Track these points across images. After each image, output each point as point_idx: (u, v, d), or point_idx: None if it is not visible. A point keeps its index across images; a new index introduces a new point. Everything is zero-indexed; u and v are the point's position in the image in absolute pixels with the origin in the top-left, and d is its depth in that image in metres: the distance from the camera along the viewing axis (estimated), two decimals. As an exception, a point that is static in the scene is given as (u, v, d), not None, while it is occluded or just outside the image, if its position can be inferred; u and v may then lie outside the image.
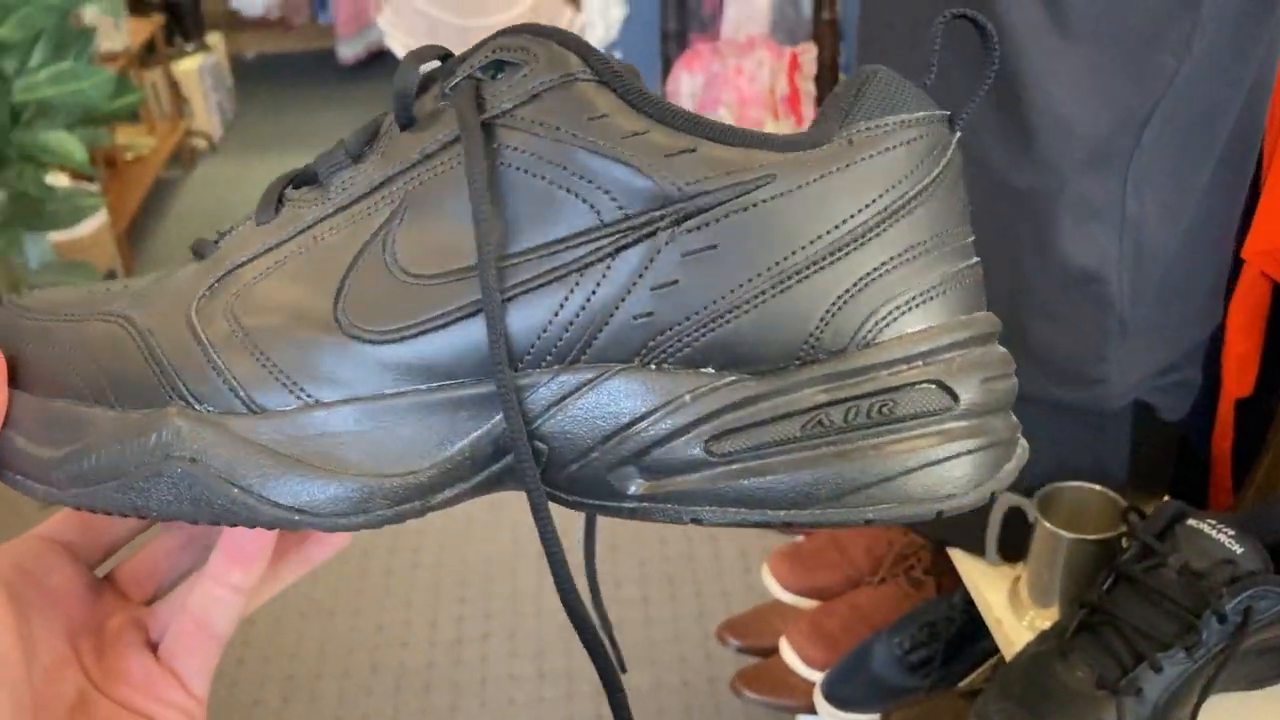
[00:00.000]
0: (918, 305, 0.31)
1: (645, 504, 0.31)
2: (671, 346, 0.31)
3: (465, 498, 0.32)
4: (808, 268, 0.30)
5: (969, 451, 0.30)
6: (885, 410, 0.30)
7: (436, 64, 0.34)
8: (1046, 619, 0.84)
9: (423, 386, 0.31)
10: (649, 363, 0.31)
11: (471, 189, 0.30)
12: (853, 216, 0.30)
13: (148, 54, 3.64)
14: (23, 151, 2.27)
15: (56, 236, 2.67)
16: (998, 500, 0.87)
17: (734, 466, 0.30)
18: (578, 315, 0.31)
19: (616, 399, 0.31)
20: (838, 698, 1.06)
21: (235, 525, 0.31)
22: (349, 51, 4.53)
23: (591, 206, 0.31)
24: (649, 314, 0.31)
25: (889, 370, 0.30)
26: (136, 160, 3.45)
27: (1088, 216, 0.75)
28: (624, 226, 0.31)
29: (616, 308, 0.31)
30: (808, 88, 2.01)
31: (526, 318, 0.31)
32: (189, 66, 3.89)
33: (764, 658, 1.42)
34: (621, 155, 0.30)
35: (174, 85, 3.83)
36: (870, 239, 0.30)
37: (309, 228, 0.33)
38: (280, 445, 0.31)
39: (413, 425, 0.31)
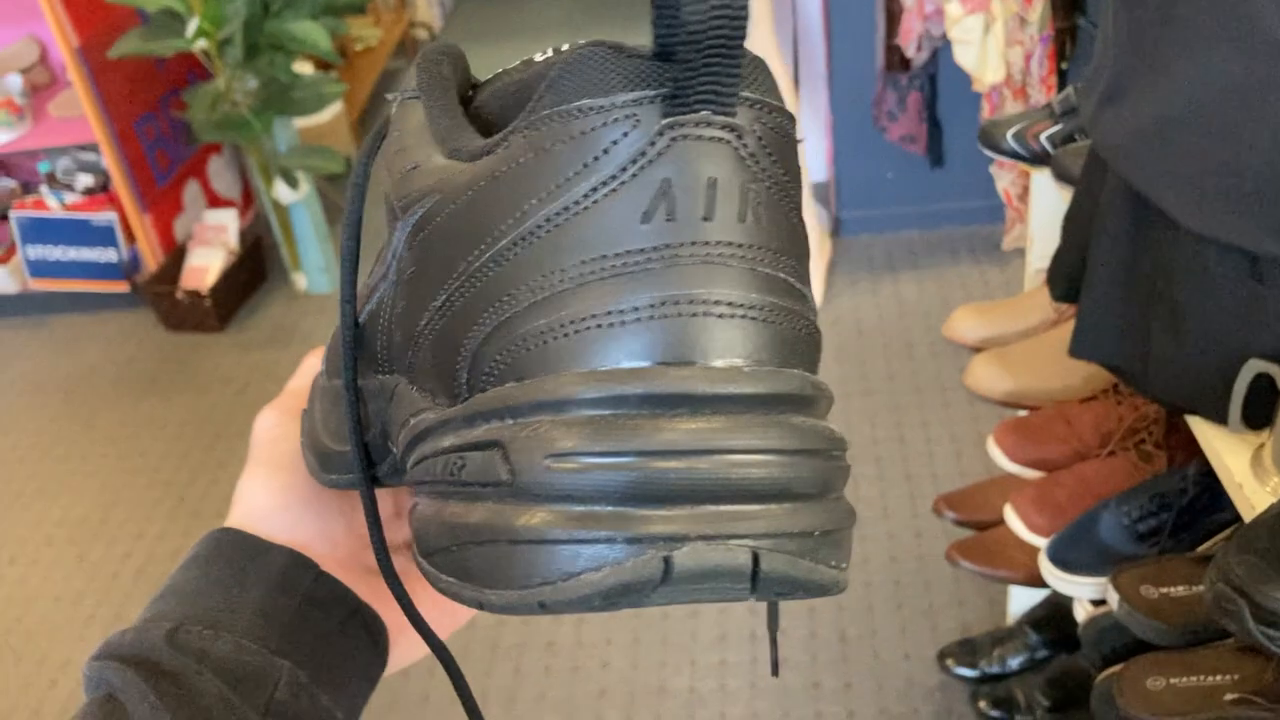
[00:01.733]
0: (541, 346, 0.25)
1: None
2: (408, 370, 0.30)
3: (402, 482, 0.34)
4: (455, 297, 0.27)
5: (515, 541, 0.24)
6: (455, 470, 0.26)
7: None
8: (1291, 485, 0.84)
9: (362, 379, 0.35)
10: (411, 382, 0.30)
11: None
12: (490, 240, 0.26)
13: (374, -52, 3.77)
14: (273, 40, 2.43)
15: (300, 122, 2.85)
16: (1244, 367, 0.87)
17: (416, 492, 0.29)
18: (379, 328, 0.32)
19: (397, 407, 0.31)
20: (1062, 561, 1.09)
21: None
22: (561, -59, 4.56)
23: (388, 224, 0.31)
24: (398, 336, 0.31)
25: (485, 424, 0.26)
26: (365, 51, 3.61)
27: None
28: (392, 246, 0.31)
29: (383, 325, 0.32)
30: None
31: (369, 327, 0.33)
32: (411, -41, 4.02)
33: (979, 531, 1.45)
34: (386, 171, 0.31)
35: (398, -22, 3.96)
36: (505, 265, 0.26)
37: None
38: (323, 405, 0.39)
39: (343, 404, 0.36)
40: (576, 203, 0.25)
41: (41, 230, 2.90)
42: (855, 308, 2.53)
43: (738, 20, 0.23)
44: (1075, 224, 1.07)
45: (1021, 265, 1.69)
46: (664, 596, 0.24)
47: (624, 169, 0.24)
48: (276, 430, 0.42)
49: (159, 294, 2.82)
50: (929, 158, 2.55)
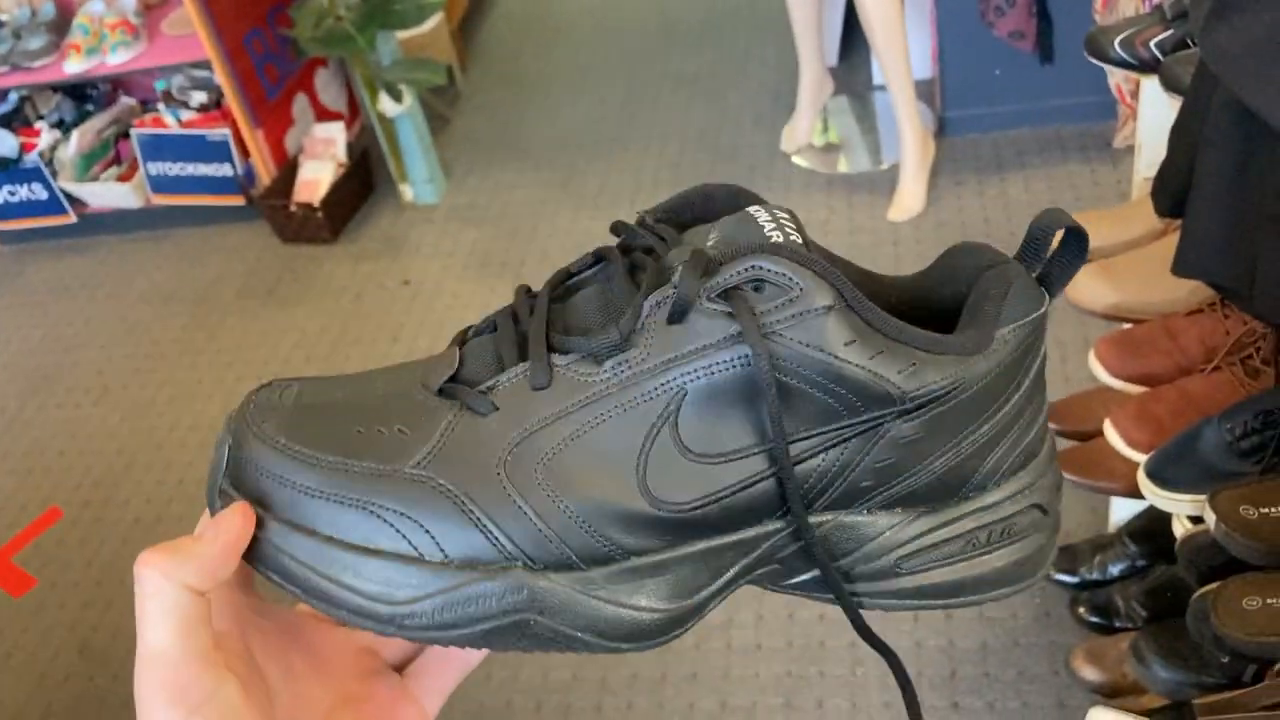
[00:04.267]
0: (1025, 454, 0.43)
1: (860, 599, 0.43)
2: (879, 499, 0.42)
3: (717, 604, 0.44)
4: (974, 444, 0.41)
5: (1050, 542, 0.44)
6: (1009, 531, 0.43)
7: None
8: (1397, 408, 0.83)
9: (708, 543, 0.41)
10: (863, 509, 0.42)
11: (766, 392, 0.38)
12: (999, 408, 0.41)
13: None
14: (374, -46, 2.45)
15: (401, 33, 2.87)
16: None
17: (914, 575, 0.43)
18: (825, 477, 0.40)
19: (843, 534, 0.42)
20: (1161, 477, 1.09)
21: (574, 653, 0.40)
22: None
23: (840, 405, 0.39)
24: (869, 483, 0.41)
25: (1010, 501, 0.43)
26: (464, -43, 3.60)
27: None
28: (862, 422, 0.39)
29: (848, 476, 0.40)
30: None
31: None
32: None
33: (1080, 442, 1.45)
34: (866, 371, 0.38)
35: (494, -121, 3.92)
36: (993, 430, 0.41)
37: (592, 402, 0.39)
38: (604, 593, 0.39)
39: (690, 568, 0.40)
40: (1023, 374, 0.41)
41: (160, 147, 3.00)
42: (960, 210, 2.49)
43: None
44: (1183, 136, 1.05)
45: (1134, 163, 1.64)
46: None
47: (1038, 351, 0.42)
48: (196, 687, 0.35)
49: (273, 207, 2.91)
50: (1038, 53, 2.47)
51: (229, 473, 0.39)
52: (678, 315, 0.38)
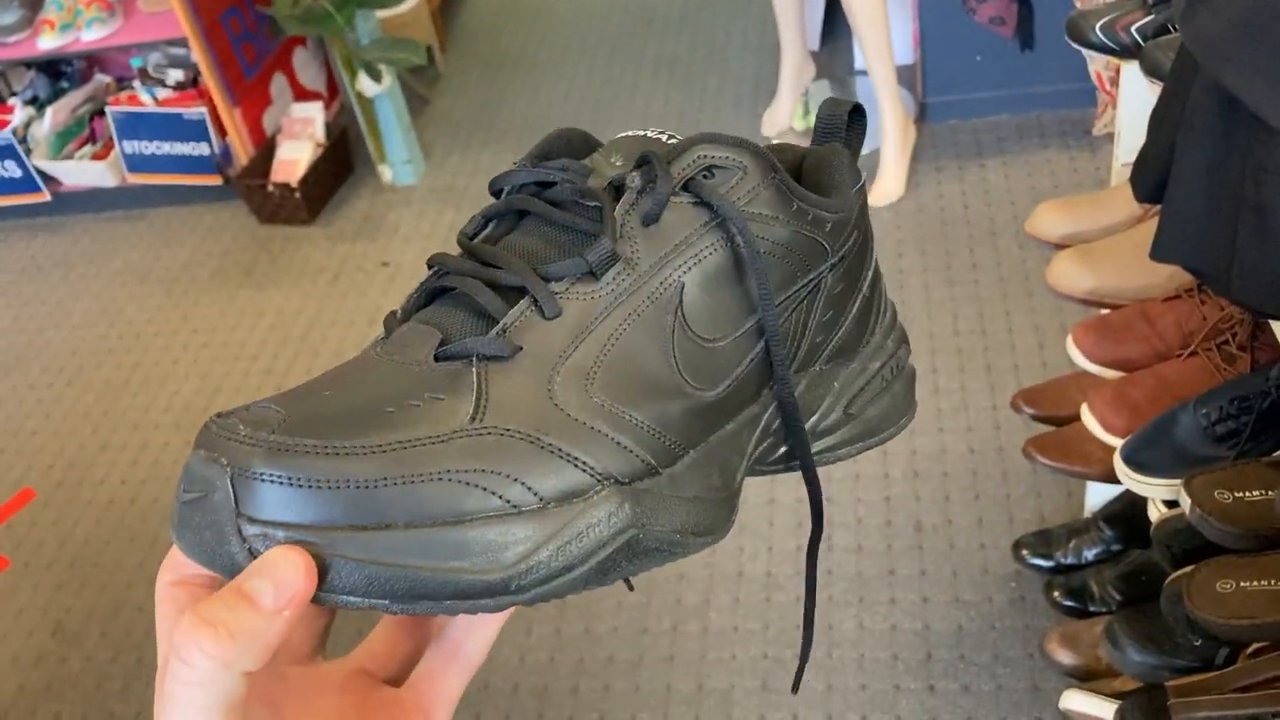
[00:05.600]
0: (886, 300, 0.49)
1: (827, 454, 0.47)
2: (825, 354, 0.46)
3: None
4: (866, 292, 0.47)
5: (913, 372, 0.51)
6: (899, 365, 0.49)
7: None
8: (1372, 393, 0.83)
9: (733, 423, 0.43)
10: (817, 365, 0.46)
11: (753, 268, 0.41)
12: (872, 255, 0.48)
13: None
14: (353, -68, 2.42)
15: (381, 13, 2.85)
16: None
17: (859, 417, 0.47)
18: (794, 340, 0.44)
19: (809, 394, 0.46)
20: (1137, 462, 1.09)
21: (671, 561, 0.39)
22: None
23: (796, 268, 0.43)
24: (820, 338, 0.45)
25: (892, 340, 0.49)
26: (444, -64, 3.57)
27: None
28: (810, 281, 0.43)
29: (805, 335, 0.45)
30: None
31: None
32: None
33: (1057, 427, 1.45)
34: (808, 232, 0.43)
35: None
36: (874, 265, 0.48)
37: (607, 316, 0.39)
38: (683, 490, 0.40)
39: (727, 449, 0.42)
40: (873, 245, 0.48)
41: (136, 125, 2.97)
42: (940, 196, 2.49)
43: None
44: (1162, 122, 1.05)
45: (1113, 150, 1.65)
46: None
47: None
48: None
49: (250, 187, 2.88)
50: (1018, 40, 2.47)
51: (240, 510, 0.32)
52: (653, 215, 0.39)
